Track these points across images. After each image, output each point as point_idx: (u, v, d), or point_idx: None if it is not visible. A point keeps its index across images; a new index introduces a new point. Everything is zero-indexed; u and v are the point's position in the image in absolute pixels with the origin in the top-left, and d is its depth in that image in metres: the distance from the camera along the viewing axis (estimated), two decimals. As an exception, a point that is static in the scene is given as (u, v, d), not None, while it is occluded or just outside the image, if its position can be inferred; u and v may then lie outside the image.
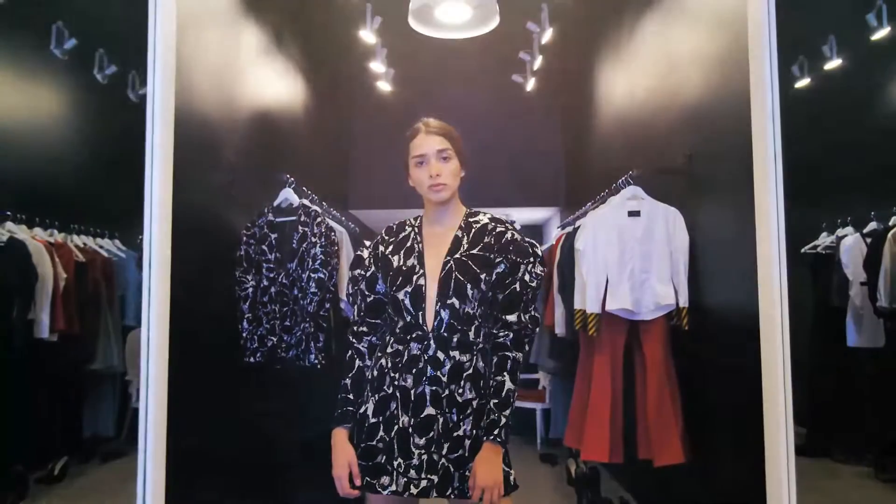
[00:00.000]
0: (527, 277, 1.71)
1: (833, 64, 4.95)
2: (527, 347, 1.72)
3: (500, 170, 6.92)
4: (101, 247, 4.91)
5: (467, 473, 1.62)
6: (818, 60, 5.06)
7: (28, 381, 4.14)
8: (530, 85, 5.62)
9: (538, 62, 5.03)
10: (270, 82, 4.07)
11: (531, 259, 1.72)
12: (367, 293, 1.79)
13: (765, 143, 2.10)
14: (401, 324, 1.70)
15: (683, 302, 2.89)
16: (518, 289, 1.70)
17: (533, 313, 1.72)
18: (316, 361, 2.93)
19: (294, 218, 3.06)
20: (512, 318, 1.69)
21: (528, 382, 5.44)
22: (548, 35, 4.53)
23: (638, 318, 2.95)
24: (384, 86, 5.52)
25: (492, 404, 1.66)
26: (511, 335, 1.69)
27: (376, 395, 1.69)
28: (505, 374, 1.67)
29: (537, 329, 1.76)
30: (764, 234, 2.12)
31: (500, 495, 1.60)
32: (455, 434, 1.64)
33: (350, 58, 5.21)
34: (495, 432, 1.62)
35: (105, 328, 4.69)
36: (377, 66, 5.07)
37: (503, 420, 1.63)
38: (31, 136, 4.68)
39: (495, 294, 1.71)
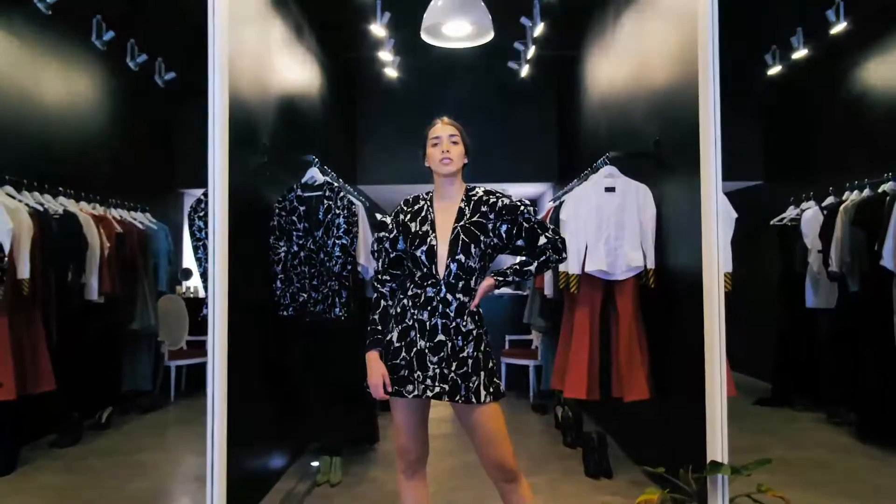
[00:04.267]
0: (527, 216, 2.24)
1: (800, 53, 5.42)
2: (564, 254, 2.26)
3: (498, 148, 7.40)
4: (134, 219, 5.36)
5: (471, 385, 2.14)
6: (788, 50, 5.53)
7: (81, 338, 4.64)
8: (525, 71, 6.09)
9: (531, 51, 5.49)
10: (293, 71, 4.53)
11: (521, 208, 2.25)
12: (390, 250, 2.30)
13: (707, 129, 2.55)
14: (419, 274, 2.22)
15: (650, 264, 3.40)
16: (528, 226, 2.23)
17: (549, 233, 2.24)
18: (340, 314, 3.45)
19: (320, 193, 3.55)
20: (542, 241, 2.23)
21: (522, 342, 5.99)
22: (539, 28, 4.99)
23: (612, 279, 3.46)
24: (391, 72, 5.99)
25: (510, 269, 2.21)
26: (549, 245, 2.20)
27: (399, 326, 2.20)
28: (535, 262, 2.20)
29: (562, 237, 2.27)
30: (706, 206, 2.58)
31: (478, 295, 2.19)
32: (461, 355, 2.16)
33: (361, 48, 5.67)
34: (500, 277, 2.22)
35: (142, 292, 5.14)
36: (385, 55, 5.53)
37: (510, 278, 2.22)
38: (72, 119, 5.13)
39: (508, 244, 2.23)
